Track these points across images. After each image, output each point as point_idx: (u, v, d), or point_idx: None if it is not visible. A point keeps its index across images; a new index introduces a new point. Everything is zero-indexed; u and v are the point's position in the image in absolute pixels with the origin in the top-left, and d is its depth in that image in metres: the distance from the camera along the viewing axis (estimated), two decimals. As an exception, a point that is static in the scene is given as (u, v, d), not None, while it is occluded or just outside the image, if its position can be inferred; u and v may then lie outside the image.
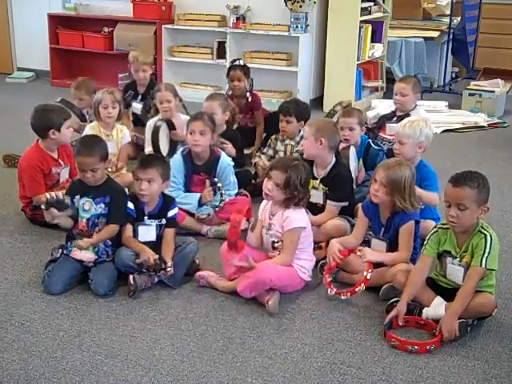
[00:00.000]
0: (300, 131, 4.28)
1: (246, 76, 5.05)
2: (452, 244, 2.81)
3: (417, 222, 3.10)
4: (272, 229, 3.09)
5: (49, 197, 3.05)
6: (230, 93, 5.08)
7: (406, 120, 3.63)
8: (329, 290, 3.05)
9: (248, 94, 5.05)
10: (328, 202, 3.55)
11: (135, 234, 3.17)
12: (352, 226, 3.46)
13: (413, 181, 3.10)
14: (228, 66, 5.19)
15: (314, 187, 3.55)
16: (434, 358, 2.60)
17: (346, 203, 3.56)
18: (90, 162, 3.13)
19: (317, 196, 3.55)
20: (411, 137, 3.49)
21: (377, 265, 3.13)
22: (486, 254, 2.70)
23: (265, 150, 4.44)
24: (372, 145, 4.02)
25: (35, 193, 3.71)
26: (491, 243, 2.71)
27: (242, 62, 5.16)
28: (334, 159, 3.61)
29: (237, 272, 3.05)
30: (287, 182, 2.99)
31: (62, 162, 3.81)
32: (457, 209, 2.70)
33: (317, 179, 3.57)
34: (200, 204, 3.70)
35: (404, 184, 3.03)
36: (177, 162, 3.80)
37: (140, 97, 5.13)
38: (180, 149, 3.90)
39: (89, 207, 3.15)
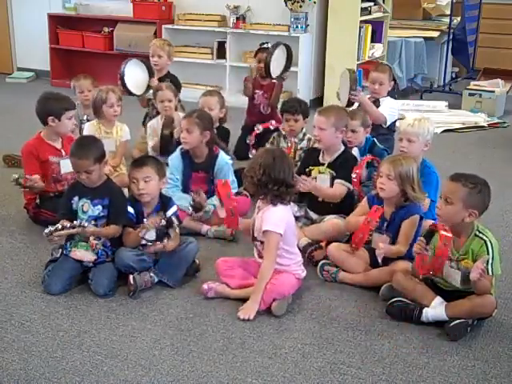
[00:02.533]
0: (302, 128, 4.31)
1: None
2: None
3: (421, 218, 3.10)
4: (255, 224, 3.02)
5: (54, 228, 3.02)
6: (255, 74, 5.28)
7: (411, 118, 3.64)
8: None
9: None
10: (336, 180, 3.58)
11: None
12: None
13: (418, 172, 3.13)
14: (256, 49, 5.41)
15: (320, 172, 3.61)
16: (433, 358, 2.61)
17: (351, 186, 3.58)
18: (83, 164, 3.11)
19: (323, 180, 3.59)
20: (420, 135, 3.51)
21: (376, 265, 3.14)
22: (490, 261, 2.70)
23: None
24: (377, 144, 4.04)
25: (28, 172, 3.69)
26: (492, 249, 2.71)
27: (269, 45, 5.34)
28: (342, 147, 3.68)
29: (242, 283, 3.02)
30: (250, 167, 2.93)
31: (63, 152, 3.79)
32: (443, 201, 2.74)
33: (323, 165, 3.62)
34: (193, 207, 3.68)
35: (412, 175, 3.07)
36: (175, 159, 3.82)
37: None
38: (179, 147, 3.91)
39: (87, 209, 3.14)
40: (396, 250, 3.06)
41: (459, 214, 2.71)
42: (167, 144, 4.31)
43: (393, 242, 3.12)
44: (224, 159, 3.84)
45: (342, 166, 3.61)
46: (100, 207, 3.14)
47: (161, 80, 5.02)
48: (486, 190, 2.74)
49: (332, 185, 3.60)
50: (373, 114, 4.34)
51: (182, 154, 3.82)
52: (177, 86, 5.00)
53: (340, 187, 3.57)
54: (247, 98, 5.35)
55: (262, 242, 2.98)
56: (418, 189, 3.09)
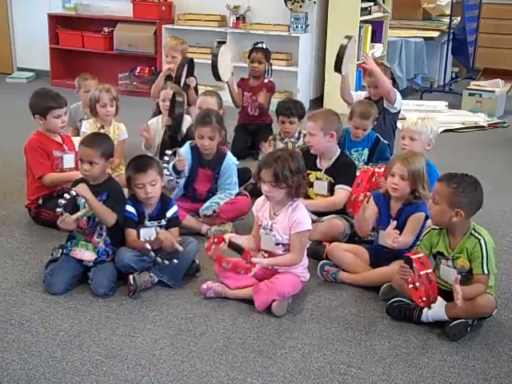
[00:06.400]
0: (298, 128, 4.35)
1: (267, 59, 5.25)
2: (444, 245, 2.82)
3: (426, 217, 3.09)
4: (274, 229, 3.01)
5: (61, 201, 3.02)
6: (248, 75, 5.32)
7: (416, 117, 3.68)
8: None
9: (266, 76, 5.28)
10: (336, 186, 3.55)
11: (137, 236, 3.16)
12: (351, 224, 3.47)
13: (427, 169, 3.14)
14: (250, 48, 5.38)
15: (317, 178, 3.60)
16: (433, 358, 2.61)
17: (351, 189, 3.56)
18: (89, 153, 3.11)
19: (321, 186, 3.57)
20: (423, 134, 3.54)
21: (376, 265, 3.14)
22: (485, 260, 2.70)
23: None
24: (381, 139, 4.05)
25: (41, 172, 3.70)
26: (486, 247, 2.72)
27: (264, 46, 5.33)
28: (338, 150, 3.66)
29: (241, 283, 3.01)
30: (276, 175, 2.90)
31: (66, 147, 3.81)
32: (432, 201, 2.78)
33: (321, 170, 3.61)
34: (175, 169, 3.68)
35: (423, 173, 3.07)
36: (185, 150, 3.82)
37: (173, 80, 5.08)
38: (188, 142, 3.91)
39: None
40: (403, 242, 2.99)
41: (446, 214, 2.72)
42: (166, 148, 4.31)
43: None
44: (231, 159, 3.86)
45: (341, 172, 3.58)
46: (101, 203, 3.13)
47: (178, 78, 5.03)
48: (472, 190, 2.72)
49: (331, 192, 3.58)
50: (383, 84, 4.38)
51: (192, 149, 3.83)
52: (191, 70, 5.03)
53: (341, 193, 3.51)
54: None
55: (283, 245, 3.00)
56: (427, 187, 3.09)
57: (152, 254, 3.05)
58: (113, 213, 3.09)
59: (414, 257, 2.69)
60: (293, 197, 2.98)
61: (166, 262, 3.04)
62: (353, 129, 4.00)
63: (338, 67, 4.57)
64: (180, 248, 3.09)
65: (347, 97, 4.64)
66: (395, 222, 3.01)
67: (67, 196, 3.03)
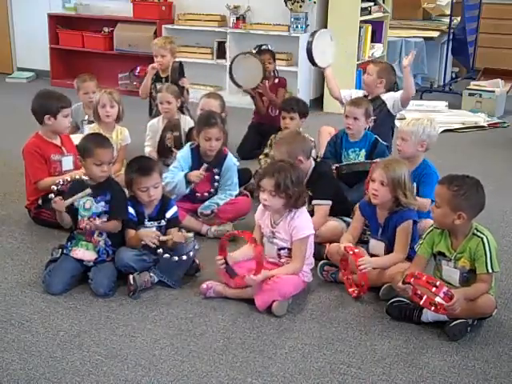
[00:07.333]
0: (299, 127, 4.34)
1: (274, 59, 5.37)
2: (446, 245, 2.81)
3: (414, 222, 3.10)
4: (277, 237, 3.04)
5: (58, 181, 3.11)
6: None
7: (410, 118, 3.68)
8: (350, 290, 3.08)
9: (275, 74, 5.40)
10: (313, 202, 3.49)
11: None
12: (348, 224, 3.47)
13: (410, 177, 3.13)
14: (256, 51, 5.44)
15: None
16: (433, 358, 2.61)
17: (329, 202, 3.50)
18: (109, 154, 3.19)
19: None
20: (413, 134, 3.53)
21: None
22: (488, 259, 2.70)
23: (267, 151, 4.47)
24: (379, 140, 4.04)
25: (37, 178, 3.71)
26: (489, 246, 2.72)
27: (269, 47, 5.46)
28: (312, 163, 3.61)
29: (242, 282, 2.99)
30: (277, 185, 2.92)
31: (64, 150, 3.81)
32: (434, 204, 2.79)
33: None
34: (187, 181, 3.70)
35: (404, 180, 3.06)
36: (185, 154, 3.83)
37: (163, 80, 5.13)
38: (188, 143, 3.92)
39: (89, 206, 3.13)
40: (397, 259, 3.03)
41: (448, 217, 2.72)
42: (166, 148, 4.33)
43: (388, 246, 3.11)
44: (232, 160, 3.86)
45: (316, 185, 3.51)
46: (103, 203, 3.14)
47: (168, 78, 5.03)
48: (473, 192, 2.72)
49: (312, 205, 3.53)
50: (410, 89, 4.39)
51: (192, 150, 3.82)
52: (181, 72, 5.03)
53: (321, 210, 3.48)
54: (250, 97, 5.34)
55: (288, 249, 3.03)
56: (409, 194, 3.07)
57: (160, 250, 3.06)
58: (117, 222, 3.14)
59: (423, 285, 2.66)
60: (291, 207, 3.00)
61: (175, 258, 3.05)
62: (344, 120, 4.00)
63: (310, 61, 4.73)
64: (191, 234, 3.15)
65: (334, 90, 4.70)
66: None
67: (68, 178, 3.14)
